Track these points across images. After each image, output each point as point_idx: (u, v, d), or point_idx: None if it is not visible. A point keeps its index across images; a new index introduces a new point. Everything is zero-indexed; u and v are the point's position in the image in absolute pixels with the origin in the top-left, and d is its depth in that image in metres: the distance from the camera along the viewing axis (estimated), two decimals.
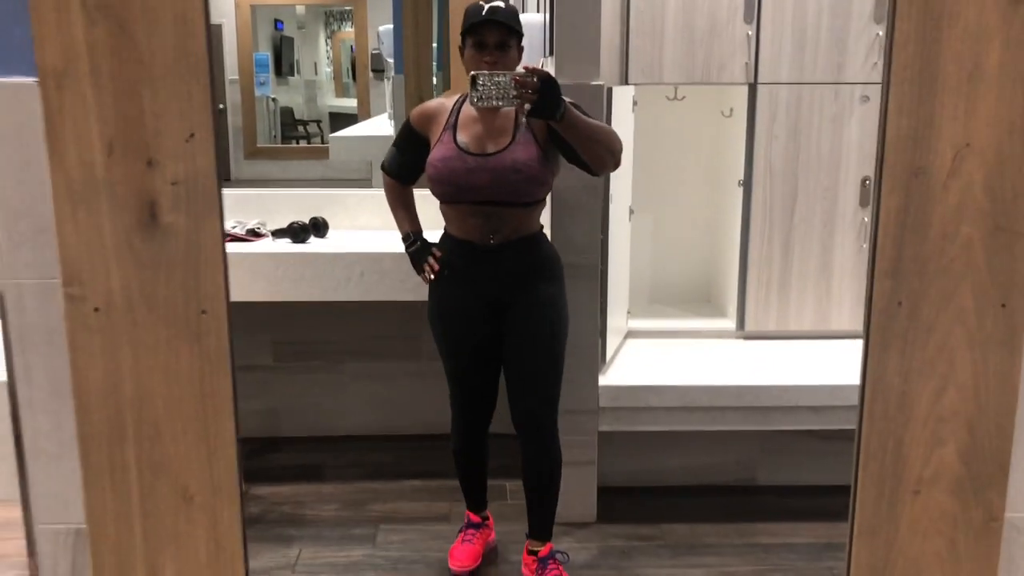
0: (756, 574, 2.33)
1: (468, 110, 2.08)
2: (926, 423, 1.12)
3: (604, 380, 2.55)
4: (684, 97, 2.94)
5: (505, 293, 2.10)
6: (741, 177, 2.78)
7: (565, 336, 2.15)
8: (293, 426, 3.09)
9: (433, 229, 2.24)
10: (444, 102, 2.14)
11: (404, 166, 2.18)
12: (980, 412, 1.11)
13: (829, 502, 2.55)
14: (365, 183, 3.34)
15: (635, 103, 2.73)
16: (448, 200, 2.07)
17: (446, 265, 2.13)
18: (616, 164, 2.02)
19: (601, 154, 1.98)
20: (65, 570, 1.14)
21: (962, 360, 1.10)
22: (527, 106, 1.84)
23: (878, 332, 1.11)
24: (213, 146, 1.04)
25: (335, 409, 3.10)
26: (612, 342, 2.69)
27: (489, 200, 2.03)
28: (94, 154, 1.05)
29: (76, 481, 1.12)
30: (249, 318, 2.96)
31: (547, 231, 2.47)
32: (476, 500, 2.41)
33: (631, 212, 2.80)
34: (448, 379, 2.24)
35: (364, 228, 2.94)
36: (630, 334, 2.88)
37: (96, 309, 1.08)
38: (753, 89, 2.70)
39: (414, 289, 2.48)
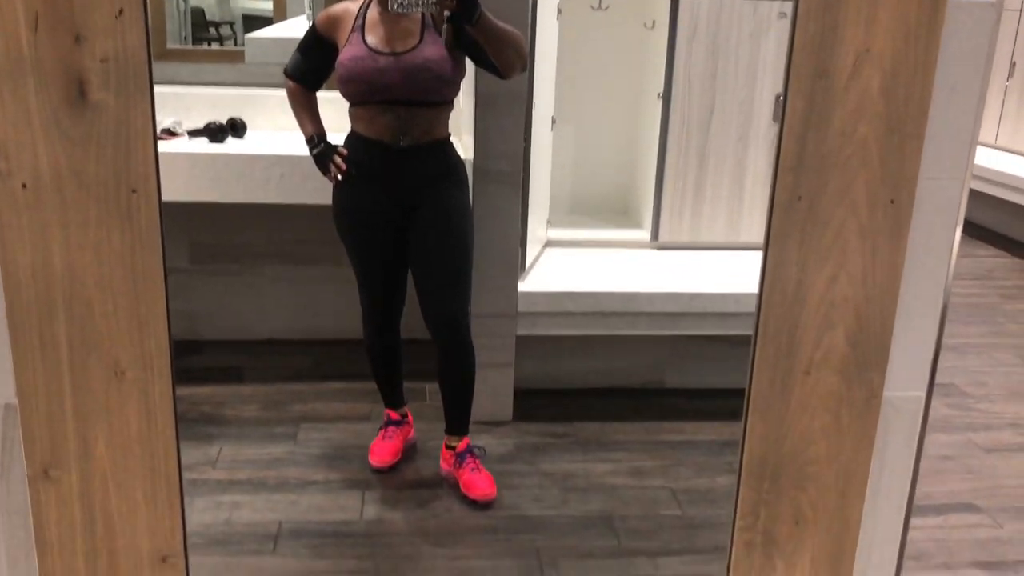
0: (661, 468, 2.49)
1: (373, 14, 2.10)
2: (819, 308, 1.23)
3: (523, 286, 2.63)
4: (608, 7, 2.97)
5: (413, 195, 2.15)
6: (661, 90, 2.85)
7: (472, 240, 2.23)
8: (212, 329, 3.10)
9: (338, 133, 2.25)
10: (349, 6, 2.14)
11: (309, 71, 2.19)
12: (867, 299, 1.22)
13: (732, 403, 2.70)
14: (282, 87, 3.29)
15: (559, 11, 2.75)
16: (358, 100, 2.09)
17: (352, 164, 2.16)
18: (523, 67, 2.08)
19: (510, 57, 2.03)
20: None
21: (853, 251, 1.20)
22: (446, 13, 1.88)
23: (779, 224, 1.20)
24: (143, 23, 1.04)
25: (254, 313, 3.12)
26: (532, 250, 2.76)
27: (400, 99, 2.06)
28: (19, 29, 1.04)
29: (6, 357, 1.14)
30: (164, 219, 2.93)
31: (468, 139, 2.51)
32: (393, 398, 2.49)
33: (553, 122, 2.85)
34: (357, 277, 2.30)
35: (284, 130, 2.91)
36: (549, 243, 2.96)
37: (24, 186, 1.08)
38: (675, 2, 2.75)
39: None
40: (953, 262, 1.25)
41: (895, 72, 1.13)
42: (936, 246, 1.23)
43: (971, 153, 1.18)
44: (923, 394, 1.29)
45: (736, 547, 1.33)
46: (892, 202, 1.18)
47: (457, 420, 2.38)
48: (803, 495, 1.31)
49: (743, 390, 1.29)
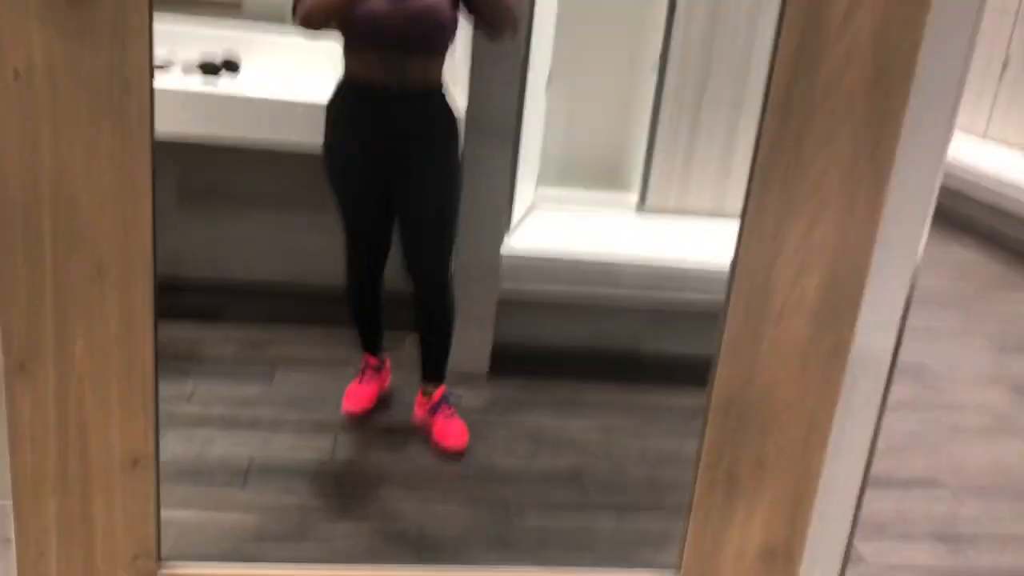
0: (632, 428, 2.53)
1: None
2: (795, 254, 1.25)
3: (508, 245, 2.65)
4: None
5: (404, 142, 2.17)
6: (658, 55, 2.86)
7: (460, 192, 2.24)
8: (194, 269, 3.09)
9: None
10: None
11: None
12: (843, 249, 1.25)
13: (706, 372, 2.75)
14: (280, 31, 3.28)
15: None
16: (356, 41, 2.10)
17: (343, 109, 2.17)
18: (515, 31, 2.10)
19: (504, 16, 2.04)
20: None
21: (834, 198, 1.23)
22: None
23: (762, 168, 1.22)
24: None
25: (238, 255, 3.11)
26: (519, 209, 2.78)
27: (398, 44, 2.07)
28: None
29: None
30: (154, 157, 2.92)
31: (462, 93, 2.52)
32: (371, 343, 2.51)
33: (549, 80, 2.85)
34: (342, 223, 2.31)
35: (279, 74, 2.90)
36: (537, 202, 2.98)
37: (16, 75, 1.09)
38: None
39: None
40: (930, 215, 1.28)
41: (886, 20, 1.15)
42: (916, 198, 1.26)
43: (955, 107, 1.21)
44: (891, 346, 1.32)
45: (700, 485, 1.37)
46: (875, 151, 1.21)
47: (434, 367, 2.41)
48: (767, 439, 1.34)
49: None
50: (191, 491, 2.07)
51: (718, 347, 1.31)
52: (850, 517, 1.40)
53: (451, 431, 2.32)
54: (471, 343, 2.68)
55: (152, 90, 1.13)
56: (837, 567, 1.45)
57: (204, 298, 3.00)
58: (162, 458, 1.54)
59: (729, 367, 1.31)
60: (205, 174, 3.02)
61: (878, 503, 2.33)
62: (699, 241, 2.81)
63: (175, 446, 2.21)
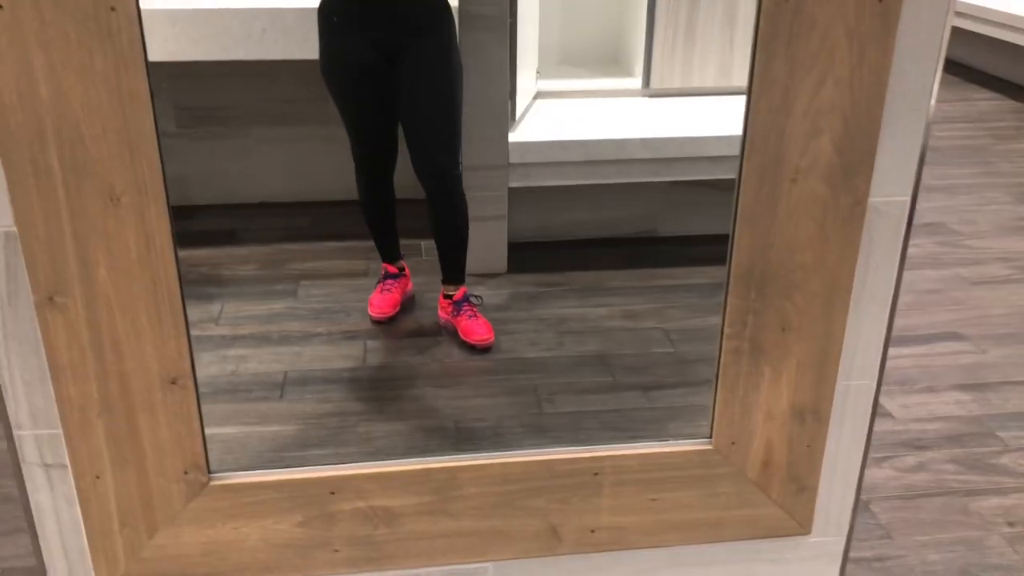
0: (654, 310, 2.55)
1: None
2: (806, 115, 1.23)
3: (513, 137, 2.62)
4: None
5: (399, 42, 2.12)
6: None
7: (461, 89, 2.21)
8: (202, 194, 3.10)
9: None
10: None
11: None
12: (854, 104, 1.23)
13: (723, 249, 2.75)
14: None
15: None
16: None
17: (336, 12, 2.12)
18: None
19: None
20: (0, 270, 1.19)
21: (841, 55, 1.20)
22: None
23: (766, 29, 1.19)
24: None
25: (245, 176, 3.11)
26: (521, 102, 2.74)
27: None
28: None
29: (1, 185, 1.15)
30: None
31: None
32: (389, 251, 2.52)
33: None
34: (347, 131, 2.29)
35: None
36: (539, 95, 2.93)
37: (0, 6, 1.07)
38: None
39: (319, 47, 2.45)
40: (940, 65, 1.25)
41: None
42: (923, 48, 1.22)
43: None
44: (908, 199, 1.31)
45: (724, 354, 1.38)
46: (880, 2, 1.17)
47: (453, 270, 2.42)
48: (789, 303, 1.35)
49: None
50: (230, 408, 2.11)
51: (734, 216, 1.31)
52: (875, 374, 1.42)
53: (476, 328, 2.35)
54: (486, 242, 2.69)
55: (139, 9, 1.10)
56: (865, 423, 1.48)
57: (217, 221, 3.01)
58: (199, 379, 1.58)
59: (747, 235, 1.31)
60: (201, 97, 2.99)
61: (901, 359, 2.35)
62: (708, 118, 2.77)
63: (208, 367, 2.25)
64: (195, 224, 2.99)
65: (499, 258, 2.73)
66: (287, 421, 2.08)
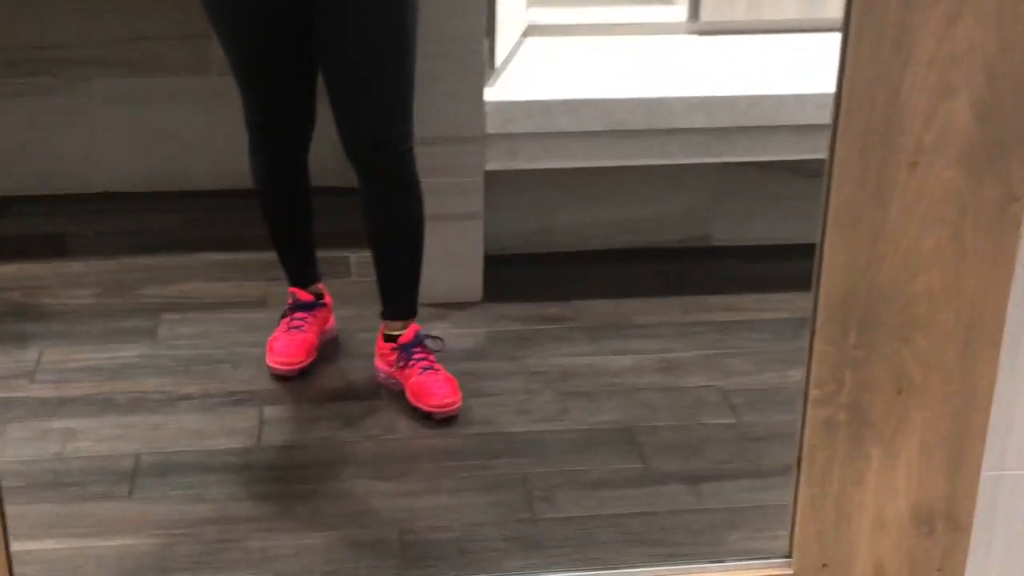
0: (707, 360, 2.55)
1: None
2: (932, 65, 1.24)
3: (493, 94, 2.64)
4: None
5: None
6: None
7: (416, 17, 2.22)
8: (18, 179, 3.09)
9: None
10: None
11: None
12: (1002, 49, 1.24)
13: (809, 267, 2.77)
14: None
15: None
16: None
17: None
18: None
19: None
20: None
21: None
22: None
23: None
24: None
25: (79, 153, 3.11)
26: (505, 41, 2.76)
27: None
28: None
29: None
30: None
31: None
32: (302, 269, 2.52)
33: None
34: (239, 85, 2.30)
35: None
36: (531, 30, 2.95)
37: None
38: None
39: None
40: None
41: None
42: None
43: None
44: None
45: (811, 430, 1.38)
46: None
47: (399, 297, 2.42)
48: (907, 350, 1.35)
49: None
50: (53, 511, 2.10)
51: (824, 217, 1.31)
52: None
53: (434, 387, 2.35)
54: (452, 255, 2.69)
55: None
56: None
57: (36, 223, 3.01)
58: (4, 466, 1.56)
59: (843, 246, 1.31)
60: (19, 33, 2.98)
61: None
62: (786, 67, 2.79)
63: (21, 447, 2.24)
64: (5, 225, 2.99)
65: (471, 278, 2.73)
66: (140, 531, 2.06)
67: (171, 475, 2.20)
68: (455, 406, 2.35)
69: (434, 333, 2.49)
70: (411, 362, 2.39)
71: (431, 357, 2.40)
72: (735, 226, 2.96)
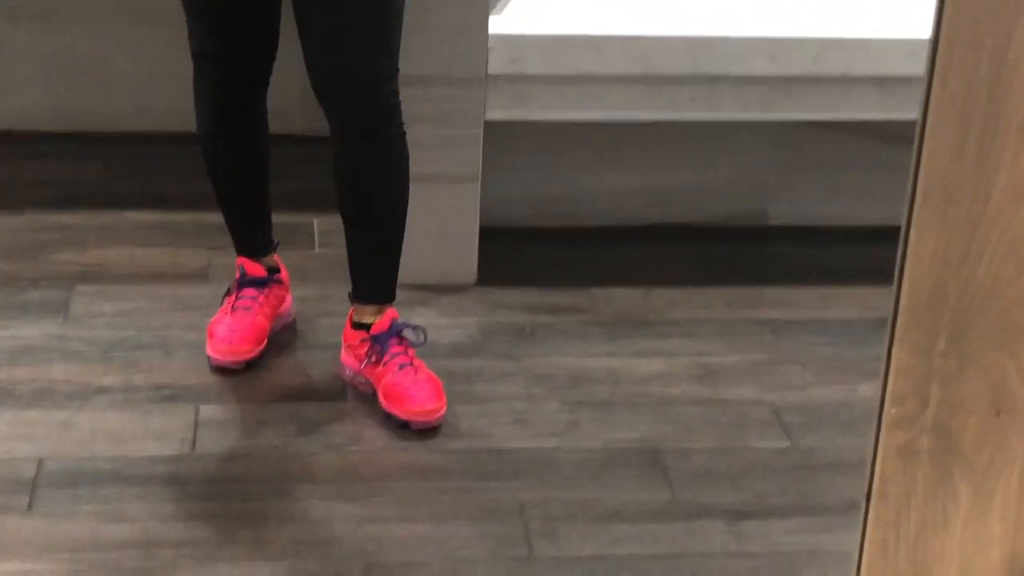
0: (755, 368, 2.56)
1: None
2: None
3: (498, 25, 2.65)
4: None
5: None
6: None
7: None
8: None
9: None
10: None
11: None
12: None
13: (888, 251, 2.77)
14: None
15: None
16: None
17: None
18: None
19: None
20: None
21: None
22: None
23: None
24: None
25: None
26: None
27: None
28: None
29: None
30: None
31: None
32: (252, 236, 2.54)
33: None
34: (185, 6, 2.31)
35: None
36: None
37: None
38: None
39: None
40: None
41: None
42: None
43: None
44: None
45: (883, 458, 1.38)
46: None
47: (373, 275, 2.42)
48: (1010, 360, 1.35)
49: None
50: None
51: (911, 194, 1.31)
52: None
53: (411, 389, 2.35)
54: (441, 227, 2.69)
55: None
56: None
57: None
58: None
59: (933, 231, 1.32)
60: None
61: None
62: (866, 5, 2.78)
63: None
64: None
65: (463, 257, 2.74)
66: (41, 555, 2.06)
67: (82, 486, 2.20)
68: (438, 414, 2.36)
69: (415, 322, 2.49)
70: (385, 357, 2.39)
71: (411, 352, 2.41)
72: (797, 202, 2.96)
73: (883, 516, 1.42)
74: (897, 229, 1.37)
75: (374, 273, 2.43)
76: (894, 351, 1.37)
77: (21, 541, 2.09)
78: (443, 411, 2.36)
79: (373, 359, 2.40)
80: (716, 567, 2.12)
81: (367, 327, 2.42)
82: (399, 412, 2.35)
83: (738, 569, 2.12)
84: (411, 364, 2.39)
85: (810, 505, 2.24)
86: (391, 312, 2.42)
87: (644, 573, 2.10)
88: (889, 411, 1.38)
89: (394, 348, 2.39)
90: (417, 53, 2.47)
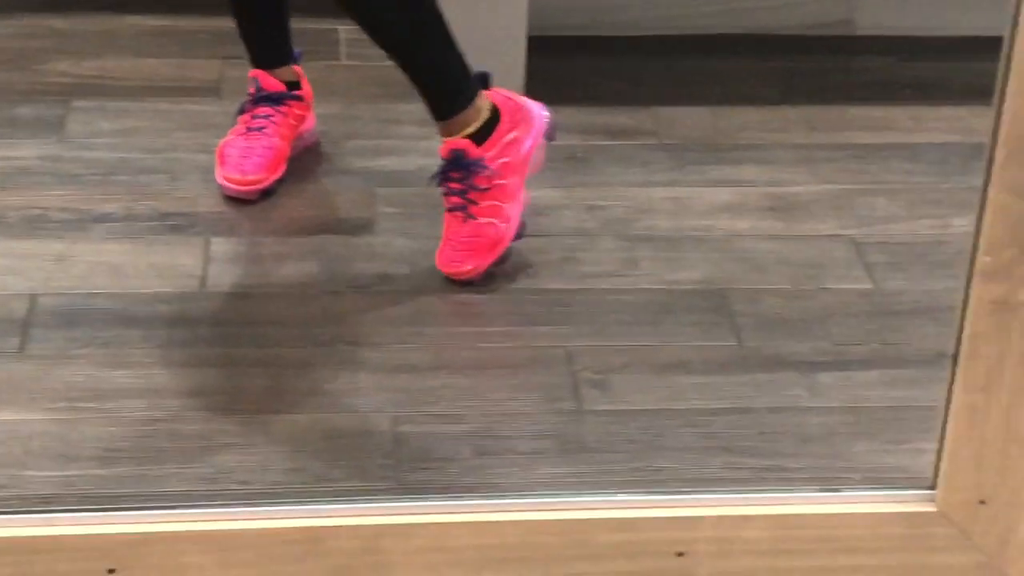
0: (836, 199, 2.55)
1: None
2: None
3: None
4: None
5: None
6: None
7: None
8: None
9: None
10: None
11: None
12: None
13: (992, 66, 2.73)
14: None
15: None
16: None
17: None
18: None
19: None
20: None
21: None
22: None
23: None
24: None
25: None
26: None
27: None
28: None
29: None
30: None
31: None
32: (270, 44, 2.53)
33: None
34: None
35: None
36: None
37: None
38: None
39: None
40: None
41: None
42: None
43: None
44: None
45: (974, 312, 1.37)
46: None
47: (423, 95, 2.34)
48: None
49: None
50: None
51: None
52: None
53: (452, 241, 2.32)
54: (483, 37, 2.64)
55: None
56: None
57: None
58: None
59: None
60: None
61: None
62: None
63: None
64: None
65: (509, 71, 2.71)
66: (33, 402, 2.07)
67: (79, 326, 2.21)
68: (469, 275, 2.32)
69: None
70: (441, 192, 2.35)
71: (471, 195, 2.32)
72: (888, 9, 2.92)
73: (972, 379, 1.41)
74: (1000, 40, 1.33)
75: (424, 89, 2.34)
76: (990, 190, 1.35)
77: (11, 387, 2.10)
78: (476, 272, 2.31)
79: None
80: (787, 423, 2.11)
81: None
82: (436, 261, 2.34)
83: (811, 426, 2.10)
84: (463, 208, 2.32)
85: (894, 356, 2.22)
86: (452, 142, 2.31)
87: (705, 430, 2.09)
88: (982, 259, 1.36)
89: (450, 184, 2.33)
90: None
